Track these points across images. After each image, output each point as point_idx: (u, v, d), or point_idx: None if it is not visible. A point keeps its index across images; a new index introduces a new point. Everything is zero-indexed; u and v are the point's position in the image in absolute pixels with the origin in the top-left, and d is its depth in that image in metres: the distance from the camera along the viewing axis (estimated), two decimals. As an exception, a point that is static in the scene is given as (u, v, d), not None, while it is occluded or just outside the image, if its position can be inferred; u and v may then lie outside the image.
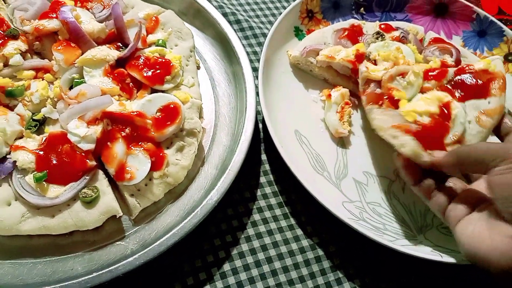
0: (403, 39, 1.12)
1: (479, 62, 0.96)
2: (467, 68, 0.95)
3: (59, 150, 0.83)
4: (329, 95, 1.05)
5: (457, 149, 0.80)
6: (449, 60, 1.08)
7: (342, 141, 1.04)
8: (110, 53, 0.96)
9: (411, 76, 0.95)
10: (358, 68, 1.03)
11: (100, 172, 0.85)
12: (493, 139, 0.94)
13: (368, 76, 0.99)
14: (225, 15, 1.21)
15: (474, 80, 0.93)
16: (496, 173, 0.69)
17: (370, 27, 1.15)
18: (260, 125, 1.07)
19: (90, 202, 0.80)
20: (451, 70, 0.96)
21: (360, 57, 1.06)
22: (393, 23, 1.17)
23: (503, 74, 0.93)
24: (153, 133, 0.87)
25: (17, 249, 0.79)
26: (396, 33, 1.13)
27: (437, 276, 0.90)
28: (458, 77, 0.95)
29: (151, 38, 1.04)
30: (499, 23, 1.23)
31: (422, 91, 0.95)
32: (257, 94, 1.00)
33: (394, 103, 0.94)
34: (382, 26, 1.15)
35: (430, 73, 0.97)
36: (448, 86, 0.95)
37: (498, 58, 0.98)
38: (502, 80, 0.92)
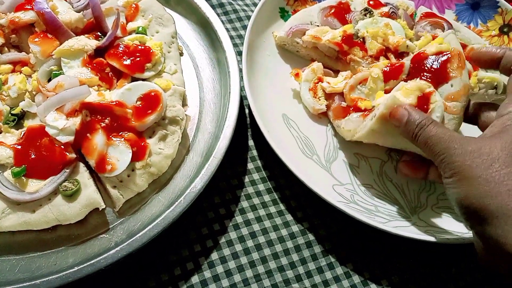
0: (392, 15, 1.09)
1: (431, 45, 0.90)
2: (422, 54, 0.89)
3: (38, 144, 0.81)
4: (297, 74, 1.02)
5: (410, 113, 0.77)
6: (441, 34, 1.04)
7: (332, 123, 1.01)
8: (88, 43, 0.93)
9: (371, 83, 0.92)
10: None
11: (81, 165, 0.83)
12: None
13: (333, 91, 0.97)
14: (208, -1, 1.18)
15: (432, 66, 0.87)
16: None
17: (358, 3, 1.11)
18: (247, 110, 1.04)
19: (71, 196, 0.79)
20: (407, 62, 0.91)
21: (348, 39, 1.02)
22: (382, -1, 1.13)
23: (459, 50, 0.87)
24: (133, 122, 0.85)
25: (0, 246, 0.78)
26: (385, 9, 1.09)
27: (431, 257, 0.88)
28: (416, 67, 0.89)
29: (131, 25, 1.02)
30: (493, -6, 1.18)
31: (386, 92, 0.91)
32: (242, 78, 0.97)
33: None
34: (371, 2, 1.11)
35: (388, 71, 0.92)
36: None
37: (451, 33, 0.91)
38: (458, 58, 0.86)
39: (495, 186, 0.63)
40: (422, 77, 0.86)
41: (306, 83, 1.01)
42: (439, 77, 0.86)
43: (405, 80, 0.88)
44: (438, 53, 0.88)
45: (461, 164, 0.67)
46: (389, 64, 0.93)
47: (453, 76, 0.85)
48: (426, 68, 0.87)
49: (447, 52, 0.87)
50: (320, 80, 1.01)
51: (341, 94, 0.97)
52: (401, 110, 0.79)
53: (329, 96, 1.00)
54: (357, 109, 0.93)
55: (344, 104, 0.96)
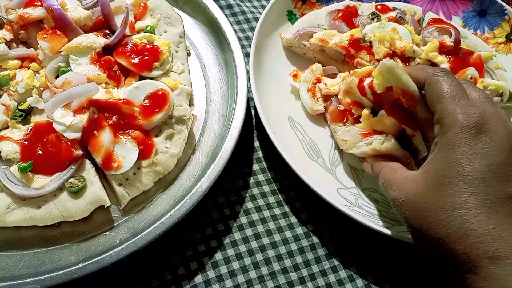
0: (400, 20, 1.09)
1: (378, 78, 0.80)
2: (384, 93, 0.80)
3: (45, 139, 0.81)
4: (295, 75, 1.03)
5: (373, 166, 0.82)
6: (448, 40, 1.05)
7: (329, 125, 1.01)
8: (96, 40, 0.94)
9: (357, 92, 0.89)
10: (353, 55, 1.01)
11: (87, 162, 0.83)
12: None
13: (328, 92, 0.97)
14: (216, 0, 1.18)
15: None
16: None
17: (365, 8, 1.12)
18: (253, 112, 1.04)
19: (76, 192, 0.79)
20: (366, 83, 0.85)
21: (355, 43, 1.03)
22: (390, 4, 1.14)
23: (404, 90, 0.74)
24: (141, 120, 0.85)
25: (4, 241, 0.77)
26: (392, 14, 1.10)
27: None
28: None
29: (139, 24, 1.02)
30: (500, 1, 1.19)
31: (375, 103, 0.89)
32: (249, 79, 0.97)
33: (357, 118, 0.92)
34: (378, 6, 1.12)
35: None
36: None
37: (386, 64, 0.76)
38: (410, 100, 0.75)
39: (428, 236, 0.63)
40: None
41: (305, 83, 1.02)
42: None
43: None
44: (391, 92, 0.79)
45: (403, 214, 0.68)
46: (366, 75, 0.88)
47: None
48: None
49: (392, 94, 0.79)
50: (318, 81, 1.02)
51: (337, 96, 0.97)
52: (366, 164, 0.86)
53: (326, 97, 1.00)
54: (353, 115, 0.93)
55: (341, 107, 0.96)
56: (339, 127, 0.95)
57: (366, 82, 0.85)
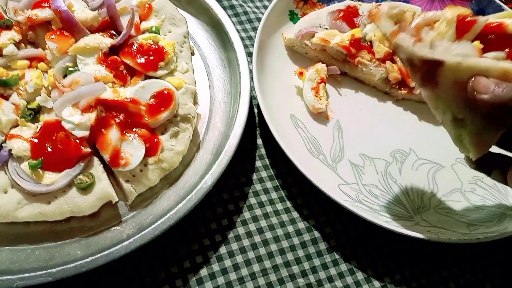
0: (399, 20, 1.11)
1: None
2: (502, 25, 0.67)
3: (54, 137, 0.84)
4: (301, 73, 1.05)
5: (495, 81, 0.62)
6: None
7: (338, 124, 1.03)
8: (103, 41, 0.96)
9: (443, 26, 0.68)
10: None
11: (95, 159, 0.85)
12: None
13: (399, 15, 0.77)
14: (219, 0, 1.20)
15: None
16: None
17: (366, 8, 1.14)
18: (256, 110, 1.07)
19: (85, 188, 0.81)
20: (482, 20, 0.68)
21: (356, 42, 1.05)
22: (390, 4, 1.16)
23: None
24: (147, 119, 0.87)
25: (15, 235, 0.80)
26: (392, 14, 1.11)
27: (432, 256, 0.90)
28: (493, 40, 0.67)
29: (144, 25, 1.04)
30: (498, 1, 1.21)
31: None
32: (252, 79, 1.00)
33: None
34: (379, 6, 1.13)
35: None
36: None
37: None
38: None
39: None
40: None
41: (309, 82, 1.05)
42: None
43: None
44: None
45: None
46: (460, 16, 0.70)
47: None
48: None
49: None
50: (323, 80, 1.04)
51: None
52: (483, 80, 0.64)
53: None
54: None
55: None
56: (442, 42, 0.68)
57: (482, 19, 0.69)
